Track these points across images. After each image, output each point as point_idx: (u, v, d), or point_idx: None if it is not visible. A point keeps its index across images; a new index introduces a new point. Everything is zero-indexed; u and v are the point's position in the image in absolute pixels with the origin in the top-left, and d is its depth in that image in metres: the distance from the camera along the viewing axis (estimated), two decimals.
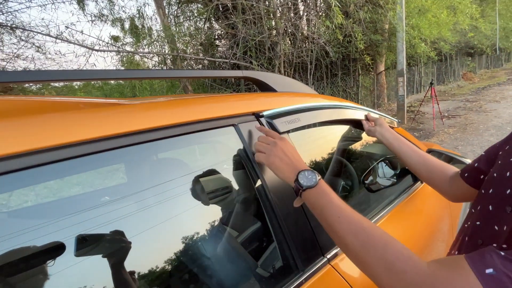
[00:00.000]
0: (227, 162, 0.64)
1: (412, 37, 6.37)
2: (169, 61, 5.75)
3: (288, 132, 0.72)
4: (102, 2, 5.99)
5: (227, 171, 0.64)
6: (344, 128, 1.13)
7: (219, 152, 0.64)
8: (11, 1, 3.83)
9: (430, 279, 0.38)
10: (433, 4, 6.91)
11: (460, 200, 0.73)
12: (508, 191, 0.47)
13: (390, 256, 0.42)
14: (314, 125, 0.84)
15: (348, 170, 1.34)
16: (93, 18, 5.11)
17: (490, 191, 0.52)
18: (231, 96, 0.69)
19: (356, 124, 1.06)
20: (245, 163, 0.63)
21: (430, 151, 1.20)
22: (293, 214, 0.64)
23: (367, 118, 1.02)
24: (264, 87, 0.88)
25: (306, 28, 5.85)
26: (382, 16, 6.14)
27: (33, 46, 4.48)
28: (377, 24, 6.42)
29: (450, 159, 1.14)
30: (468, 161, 1.05)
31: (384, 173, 1.38)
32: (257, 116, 0.68)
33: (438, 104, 6.38)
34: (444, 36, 8.50)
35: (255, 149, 0.62)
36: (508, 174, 0.49)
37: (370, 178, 1.36)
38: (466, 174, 0.67)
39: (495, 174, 0.53)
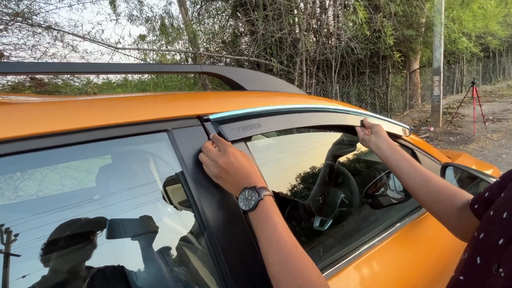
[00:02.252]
0: (148, 179, 0.52)
1: (452, 32, 5.75)
2: (190, 59, 5.80)
3: (243, 140, 0.59)
4: (132, 3, 6.25)
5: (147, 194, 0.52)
6: (338, 134, 0.96)
7: (137, 167, 0.52)
8: (44, 3, 4.09)
9: None
10: None
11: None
12: (501, 241, 0.31)
13: None
14: (291, 131, 0.69)
15: (347, 182, 1.16)
16: (119, 18, 5.30)
17: (481, 235, 0.35)
18: (169, 95, 0.57)
19: (352, 131, 0.88)
20: (179, 180, 0.51)
21: (446, 166, 0.98)
22: (237, 245, 0.51)
23: (363, 124, 0.84)
24: (233, 85, 0.75)
25: (331, 23, 5.54)
26: (418, 9, 5.61)
27: (68, 45, 4.77)
28: (410, 18, 5.89)
29: (472, 179, 0.91)
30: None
31: (395, 186, 1.19)
32: (202, 119, 0.56)
33: (480, 106, 5.70)
34: (492, 30, 7.61)
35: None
36: (505, 215, 0.32)
37: (381, 190, 1.18)
38: (476, 206, 0.49)
39: (491, 213, 0.36)
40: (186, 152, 0.51)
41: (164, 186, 0.54)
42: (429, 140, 5.47)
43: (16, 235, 0.50)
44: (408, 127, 1.07)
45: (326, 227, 1.09)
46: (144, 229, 0.56)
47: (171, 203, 0.55)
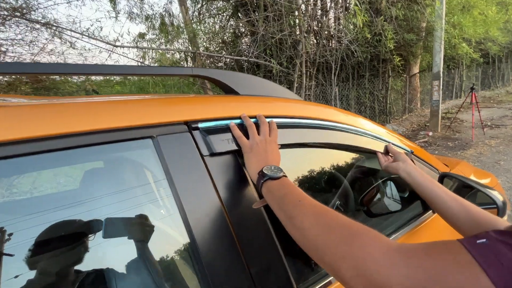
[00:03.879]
0: (131, 190, 0.50)
1: (452, 37, 5.75)
2: (190, 58, 5.77)
3: (233, 152, 0.56)
4: (133, 0, 6.22)
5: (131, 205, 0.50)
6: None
7: (119, 175, 0.50)
8: None
9: (394, 253, 0.32)
10: (480, 0, 6.18)
11: None
12: None
13: (354, 233, 0.37)
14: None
15: (343, 188, 1.14)
16: (118, 15, 5.27)
17: None
18: (155, 99, 0.55)
19: (353, 150, 0.86)
20: (160, 191, 0.48)
21: (444, 176, 0.96)
22: (222, 257, 0.49)
23: (386, 151, 0.86)
24: (226, 89, 0.73)
25: (332, 25, 5.53)
26: (418, 14, 5.61)
27: (66, 42, 4.73)
28: (411, 22, 5.88)
29: (470, 189, 0.89)
30: (495, 193, 0.81)
31: (392, 194, 1.16)
32: (191, 126, 0.53)
33: (479, 112, 5.70)
34: (492, 36, 7.64)
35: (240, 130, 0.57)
36: None
37: (377, 197, 1.15)
38: None
39: None
40: (172, 160, 0.49)
41: (148, 195, 0.51)
42: (428, 145, 5.46)
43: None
44: (410, 150, 1.04)
45: None
46: (132, 235, 0.54)
47: (155, 212, 0.53)
